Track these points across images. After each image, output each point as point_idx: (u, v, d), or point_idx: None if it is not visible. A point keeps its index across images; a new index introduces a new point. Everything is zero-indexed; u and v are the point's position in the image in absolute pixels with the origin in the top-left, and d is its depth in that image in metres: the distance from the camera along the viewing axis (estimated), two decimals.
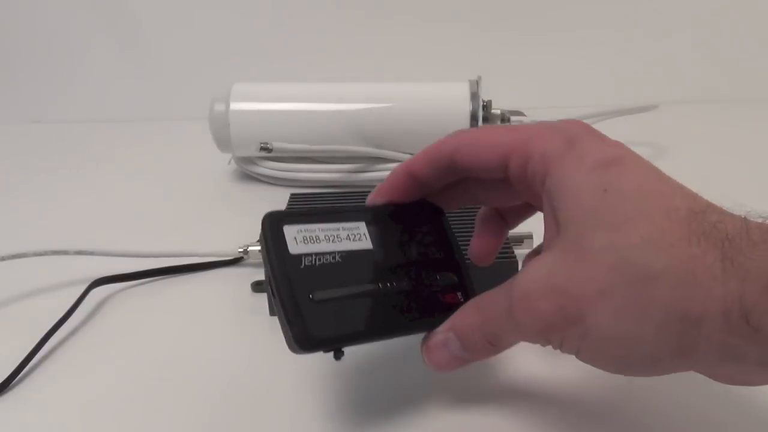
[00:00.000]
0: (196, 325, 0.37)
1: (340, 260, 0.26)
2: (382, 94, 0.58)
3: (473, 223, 0.31)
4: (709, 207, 0.21)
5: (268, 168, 0.58)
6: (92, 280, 0.39)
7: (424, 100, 0.56)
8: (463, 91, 0.55)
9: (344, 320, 0.25)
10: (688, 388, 0.28)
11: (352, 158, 0.56)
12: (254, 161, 0.58)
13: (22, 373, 0.32)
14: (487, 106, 0.56)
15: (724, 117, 0.72)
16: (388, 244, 0.27)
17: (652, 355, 0.21)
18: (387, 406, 0.29)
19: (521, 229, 0.40)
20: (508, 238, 0.38)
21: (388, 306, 0.26)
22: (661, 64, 0.80)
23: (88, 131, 0.79)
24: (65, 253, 0.40)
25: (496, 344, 0.25)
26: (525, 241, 0.41)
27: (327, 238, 0.26)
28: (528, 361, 0.31)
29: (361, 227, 0.27)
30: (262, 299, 0.37)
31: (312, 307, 0.24)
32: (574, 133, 0.24)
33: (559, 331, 0.22)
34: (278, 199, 0.47)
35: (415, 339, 0.27)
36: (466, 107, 0.54)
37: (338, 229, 0.26)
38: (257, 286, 0.38)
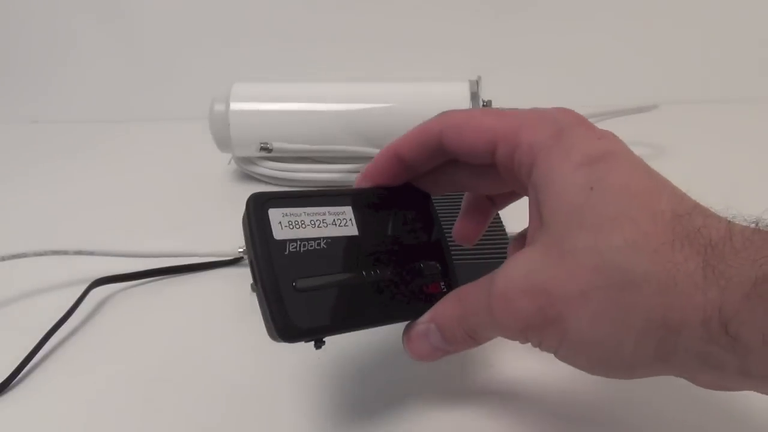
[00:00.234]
0: (196, 325, 0.37)
1: (325, 247, 0.25)
2: (382, 94, 0.58)
3: (459, 207, 0.31)
4: (695, 209, 0.21)
5: (268, 168, 0.58)
6: (92, 280, 0.39)
7: (424, 100, 0.56)
8: (463, 91, 0.55)
9: (327, 310, 0.24)
10: (677, 392, 0.28)
11: (352, 158, 0.56)
12: (254, 161, 0.58)
13: (22, 373, 0.32)
14: (487, 106, 0.56)
15: (724, 117, 0.72)
16: (373, 231, 0.27)
17: (630, 360, 0.21)
18: (385, 405, 0.29)
19: (521, 228, 0.40)
20: (506, 237, 0.38)
21: (371, 295, 0.25)
22: (661, 64, 0.80)
23: (88, 131, 0.79)
24: (65, 253, 0.40)
25: (475, 338, 0.25)
26: None
27: (313, 223, 0.25)
28: (521, 360, 0.31)
29: (348, 212, 0.26)
30: None
31: (295, 296, 0.24)
32: (564, 124, 0.24)
33: (537, 330, 0.22)
34: None
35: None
36: (466, 107, 0.54)
37: (324, 214, 0.26)
38: (256, 286, 0.38)
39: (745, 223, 0.20)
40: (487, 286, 0.24)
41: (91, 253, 0.41)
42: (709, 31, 0.81)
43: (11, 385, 0.32)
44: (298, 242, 0.25)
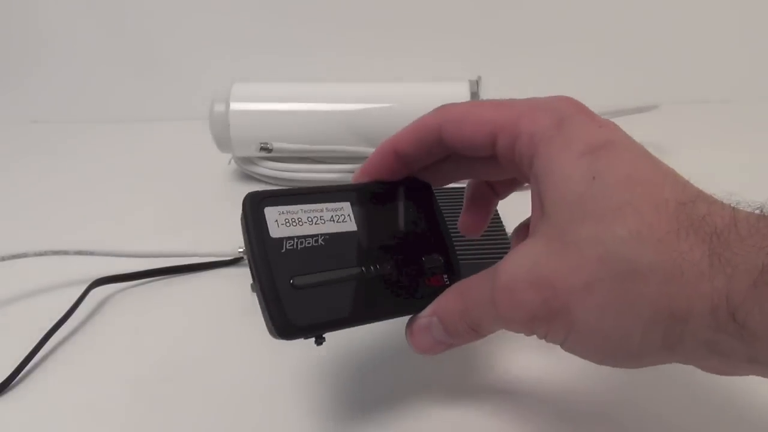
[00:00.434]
0: (196, 325, 0.37)
1: (323, 243, 0.25)
2: (382, 94, 0.58)
3: (461, 202, 0.31)
4: (699, 197, 0.21)
5: (268, 168, 0.58)
6: (92, 280, 0.39)
7: (424, 100, 0.56)
8: (463, 91, 0.55)
9: (325, 306, 0.24)
10: (678, 391, 0.28)
11: (352, 158, 0.56)
12: (254, 161, 0.58)
13: (22, 373, 0.32)
14: None
15: (724, 117, 0.72)
16: (372, 226, 0.26)
17: (638, 349, 0.21)
18: (386, 404, 0.29)
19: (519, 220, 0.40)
20: (506, 237, 0.38)
21: (371, 290, 0.25)
22: (661, 64, 0.80)
23: (88, 131, 0.79)
24: (65, 253, 0.40)
25: (478, 331, 0.25)
26: None
27: (310, 220, 0.25)
28: (524, 356, 0.31)
29: (346, 208, 0.26)
30: None
31: (292, 293, 0.24)
32: (564, 114, 0.23)
33: (543, 322, 0.22)
34: None
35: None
36: None
37: (322, 210, 0.26)
38: (255, 285, 0.38)
39: (749, 210, 0.20)
40: (489, 278, 0.24)
41: (91, 253, 0.41)
42: (709, 31, 0.81)
43: (11, 385, 0.32)
44: (295, 239, 0.25)
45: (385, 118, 0.56)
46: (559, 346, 0.23)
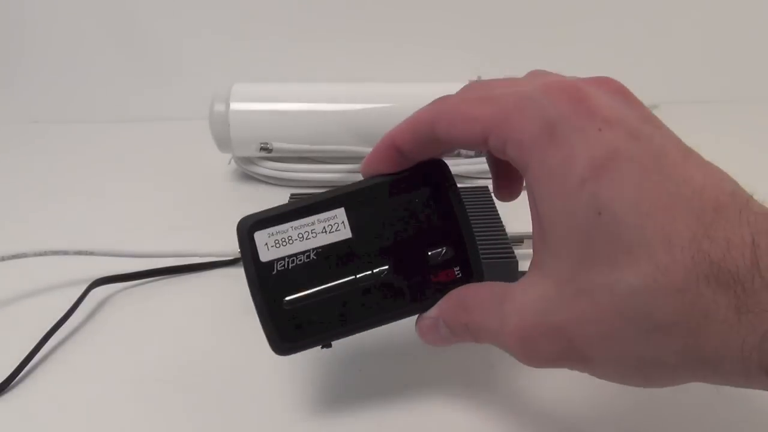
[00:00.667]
0: (196, 325, 0.37)
1: (314, 258, 0.25)
2: (382, 94, 0.58)
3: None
4: (714, 223, 0.18)
5: (268, 168, 0.58)
6: (92, 280, 0.39)
7: (424, 100, 0.56)
8: None
9: (319, 320, 0.25)
10: (680, 393, 0.28)
11: (352, 158, 0.56)
12: (254, 161, 0.58)
13: (22, 373, 0.32)
14: None
15: (724, 117, 0.72)
16: (370, 228, 0.26)
17: (666, 382, 0.21)
18: (387, 404, 0.29)
19: (521, 228, 0.40)
20: (506, 237, 0.38)
21: (365, 297, 0.25)
22: (661, 64, 0.80)
23: (88, 131, 0.79)
24: (65, 253, 0.40)
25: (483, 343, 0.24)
26: (525, 241, 0.40)
27: (300, 236, 0.25)
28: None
29: (339, 215, 0.25)
30: None
31: (284, 313, 0.25)
32: (555, 117, 0.21)
33: (562, 365, 0.22)
34: (278, 200, 0.46)
35: (413, 333, 0.27)
36: None
37: (313, 224, 0.25)
38: None
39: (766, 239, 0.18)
40: (496, 309, 0.23)
41: (91, 253, 0.41)
42: (709, 31, 0.81)
43: (11, 385, 0.32)
44: (286, 259, 0.25)
45: (385, 118, 0.55)
46: None
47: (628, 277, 0.19)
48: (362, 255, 0.25)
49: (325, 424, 0.28)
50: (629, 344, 0.20)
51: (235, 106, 0.56)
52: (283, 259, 0.25)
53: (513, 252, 0.36)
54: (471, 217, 0.26)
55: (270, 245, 0.25)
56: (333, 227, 0.25)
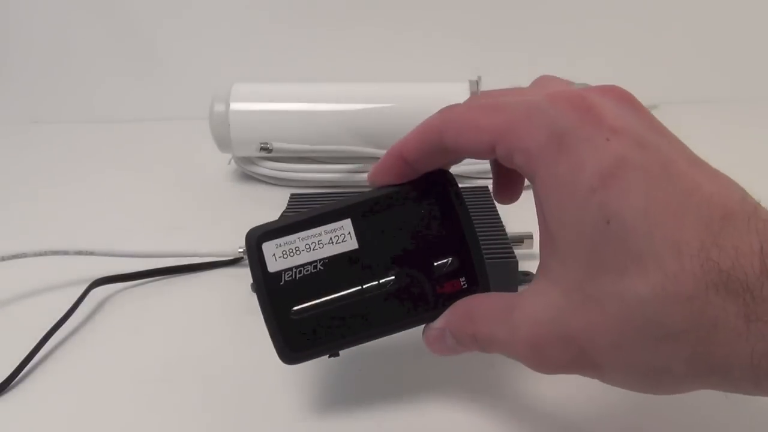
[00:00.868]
0: (196, 325, 0.37)
1: (321, 268, 0.25)
2: (382, 94, 0.58)
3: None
4: (722, 234, 0.18)
5: (268, 168, 0.58)
6: (92, 280, 0.39)
7: (424, 100, 0.56)
8: (463, 91, 0.55)
9: (325, 331, 0.26)
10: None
11: (352, 158, 0.56)
12: (254, 161, 0.58)
13: (22, 373, 0.32)
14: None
15: (724, 117, 0.72)
16: (376, 239, 0.26)
17: (676, 389, 0.21)
18: (388, 404, 0.29)
19: (521, 228, 0.40)
20: (507, 238, 0.38)
21: (371, 307, 0.26)
22: (661, 64, 0.80)
23: (88, 131, 0.79)
24: (65, 253, 0.40)
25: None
26: (525, 241, 0.40)
27: (307, 247, 0.26)
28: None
29: (346, 226, 0.26)
30: None
31: (291, 324, 0.25)
32: (563, 127, 0.21)
33: (573, 372, 0.22)
34: (278, 200, 0.47)
35: (414, 334, 0.27)
36: None
37: (320, 235, 0.26)
38: None
39: None
40: (504, 319, 0.23)
41: (91, 253, 0.41)
42: (709, 31, 0.81)
43: (11, 385, 0.32)
44: (293, 270, 0.25)
45: (386, 118, 0.56)
46: None
47: (637, 285, 0.19)
48: (369, 265, 0.26)
49: (325, 424, 0.28)
50: (639, 352, 0.20)
51: (235, 106, 0.56)
52: (290, 269, 0.25)
53: (513, 252, 0.36)
54: (471, 218, 0.26)
55: (278, 256, 0.25)
56: (340, 238, 0.26)
